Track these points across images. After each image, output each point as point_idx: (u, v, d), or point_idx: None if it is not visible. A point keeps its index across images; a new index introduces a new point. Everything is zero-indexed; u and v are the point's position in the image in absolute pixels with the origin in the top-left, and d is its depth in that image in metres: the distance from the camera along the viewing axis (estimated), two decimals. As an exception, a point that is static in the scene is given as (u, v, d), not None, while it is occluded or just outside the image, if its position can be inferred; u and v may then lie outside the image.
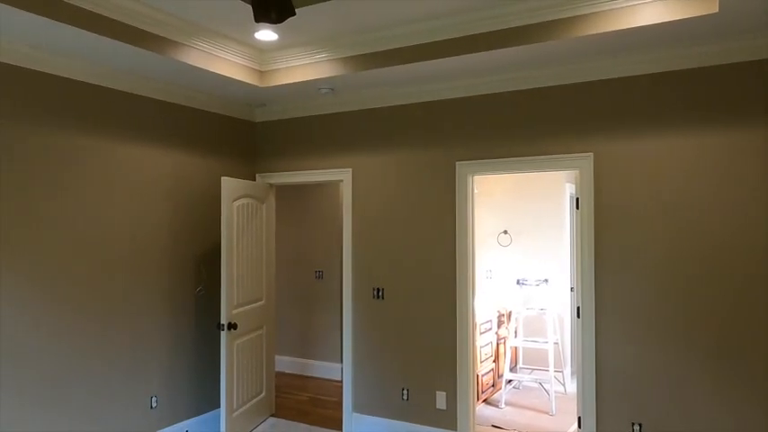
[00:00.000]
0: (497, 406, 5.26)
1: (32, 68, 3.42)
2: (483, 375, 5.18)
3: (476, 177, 4.32)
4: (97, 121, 3.82)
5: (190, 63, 3.69)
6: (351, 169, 4.69)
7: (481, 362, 5.14)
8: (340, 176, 4.76)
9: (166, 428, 4.30)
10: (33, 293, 3.45)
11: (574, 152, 3.84)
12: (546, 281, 5.81)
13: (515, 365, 6.03)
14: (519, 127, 4.02)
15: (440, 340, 4.29)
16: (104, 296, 3.87)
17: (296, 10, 3.19)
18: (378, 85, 4.27)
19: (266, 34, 3.79)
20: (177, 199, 4.42)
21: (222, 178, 4.28)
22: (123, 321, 3.99)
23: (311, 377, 6.36)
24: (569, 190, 6.03)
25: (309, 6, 3.34)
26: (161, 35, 3.48)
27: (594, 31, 3.15)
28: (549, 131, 3.92)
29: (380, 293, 4.55)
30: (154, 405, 4.20)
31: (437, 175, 4.32)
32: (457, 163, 4.23)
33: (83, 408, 3.72)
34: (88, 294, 3.76)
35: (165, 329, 4.31)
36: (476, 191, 4.33)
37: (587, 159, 3.79)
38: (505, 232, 6.22)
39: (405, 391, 4.43)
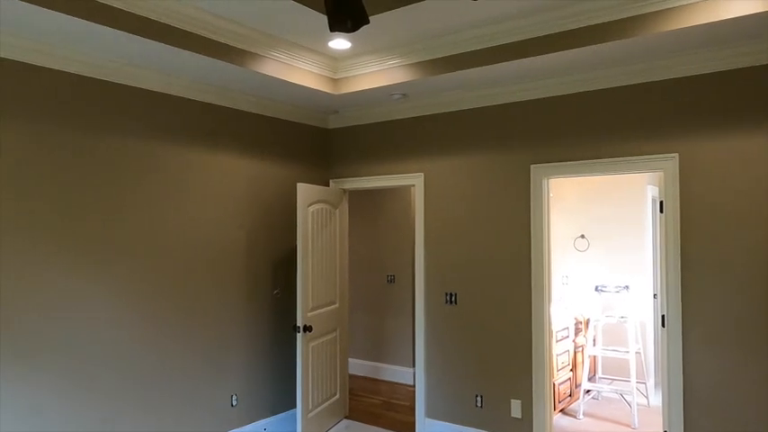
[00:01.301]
0: (575, 416, 5.09)
1: (124, 83, 3.67)
2: (560, 384, 5.02)
3: (551, 180, 4.21)
4: (178, 130, 4.03)
5: (268, 74, 3.83)
6: (423, 174, 4.70)
7: (558, 370, 4.99)
8: (412, 181, 4.78)
9: (246, 426, 4.46)
10: (122, 295, 3.68)
11: (657, 153, 3.66)
12: (626, 287, 5.57)
13: (594, 375, 5.81)
14: (597, 128, 3.89)
15: (515, 347, 4.20)
16: (187, 297, 4.07)
17: (369, 18, 3.24)
18: (450, 89, 4.26)
19: (340, 43, 3.87)
20: (254, 204, 4.58)
21: (298, 184, 4.41)
22: (205, 322, 4.18)
23: (383, 381, 6.40)
24: (651, 192, 5.75)
25: (382, 14, 3.38)
26: (242, 48, 3.64)
27: (680, 26, 3.00)
28: (630, 132, 3.76)
29: (453, 298, 4.52)
30: (234, 403, 4.37)
31: (511, 179, 4.24)
32: (531, 166, 4.14)
33: (170, 405, 3.93)
34: (172, 296, 3.97)
35: (244, 330, 4.48)
36: (551, 194, 4.22)
37: (672, 160, 3.61)
38: (582, 237, 6.02)
39: (478, 398, 4.38)
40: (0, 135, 3.09)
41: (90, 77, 3.49)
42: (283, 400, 4.81)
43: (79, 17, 2.82)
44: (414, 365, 6.22)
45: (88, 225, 3.48)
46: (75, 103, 3.42)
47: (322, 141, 5.26)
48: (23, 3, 2.62)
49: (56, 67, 3.31)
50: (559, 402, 5.02)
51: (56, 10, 2.73)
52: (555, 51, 3.40)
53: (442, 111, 4.58)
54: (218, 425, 4.24)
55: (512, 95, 4.21)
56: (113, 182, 3.61)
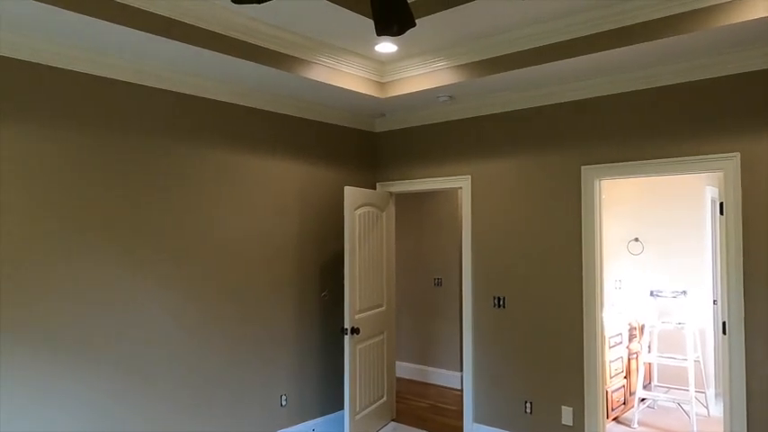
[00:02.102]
0: (629, 425, 4.92)
1: (188, 93, 3.80)
2: (613, 392, 4.87)
3: (603, 182, 4.10)
4: (234, 137, 4.13)
5: (317, 79, 3.88)
6: (470, 176, 4.66)
7: (611, 377, 4.84)
8: (459, 184, 4.74)
9: (295, 426, 4.52)
10: (178, 296, 3.80)
11: (716, 152, 3.51)
12: (684, 292, 5.35)
13: (649, 383, 5.61)
14: (652, 127, 3.76)
15: (566, 352, 4.11)
16: (238, 299, 4.16)
17: (416, 20, 3.24)
18: (497, 90, 4.21)
19: (386, 46, 3.89)
20: (304, 208, 4.65)
21: (345, 188, 4.45)
22: (255, 322, 4.27)
23: (430, 384, 6.37)
24: (710, 194, 5.52)
25: (428, 16, 3.38)
26: (292, 55, 3.71)
27: (739, 20, 2.87)
28: (688, 131, 3.62)
29: (502, 302, 4.45)
30: (284, 403, 4.44)
31: (560, 181, 4.16)
32: (582, 167, 4.04)
33: (222, 403, 4.03)
34: (224, 297, 4.08)
35: (293, 331, 4.55)
36: (603, 196, 4.10)
37: (733, 160, 3.45)
38: (636, 240, 5.83)
39: (528, 404, 4.30)
40: (73, 140, 3.25)
41: (159, 89, 3.64)
42: (331, 401, 4.86)
43: (152, 33, 2.97)
44: (461, 369, 6.16)
45: (150, 227, 3.61)
46: (147, 112, 3.56)
47: (369, 145, 5.30)
48: (121, 27, 2.75)
49: (125, 79, 3.45)
50: (612, 410, 4.86)
51: (128, 26, 2.85)
52: (606, 49, 3.31)
53: (490, 112, 4.53)
54: (268, 424, 4.32)
55: (561, 95, 4.13)
56: (176, 187, 3.74)
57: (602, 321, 4.05)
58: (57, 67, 3.21)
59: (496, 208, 4.50)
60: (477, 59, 3.86)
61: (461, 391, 6.04)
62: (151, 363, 3.63)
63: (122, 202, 3.50)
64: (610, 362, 4.83)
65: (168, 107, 3.75)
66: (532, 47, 3.60)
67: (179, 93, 3.80)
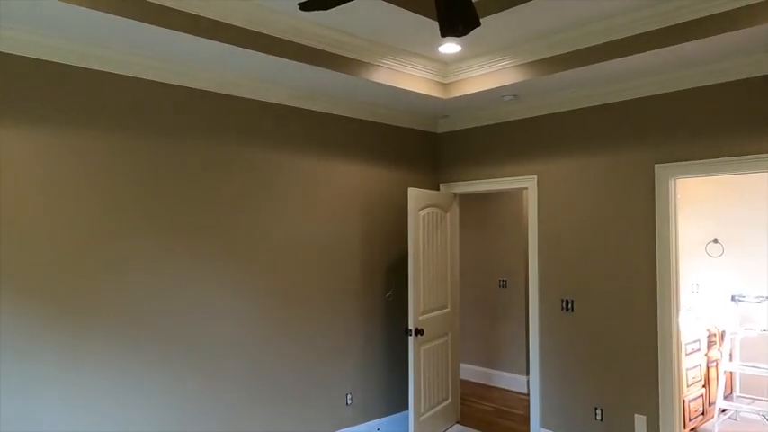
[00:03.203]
0: (709, 437, 4.68)
1: (259, 99, 3.93)
2: (690, 401, 4.64)
3: (678, 181, 3.91)
4: (296, 139, 4.24)
5: (381, 82, 3.92)
6: (536, 176, 4.57)
7: (688, 386, 4.61)
8: (524, 184, 4.66)
9: (360, 425, 4.58)
10: (245, 296, 3.94)
11: (806, 148, 3.28)
12: (769, 298, 5.02)
13: (731, 393, 5.30)
14: (731, 123, 3.55)
15: (639, 359, 3.95)
16: (304, 298, 4.26)
17: (480, 20, 3.22)
18: (564, 88, 4.10)
19: (450, 47, 3.88)
20: (366, 209, 4.71)
21: (409, 189, 4.47)
22: (323, 321, 4.36)
23: (495, 387, 6.28)
24: (799, 192, 5.15)
25: (493, 15, 3.34)
26: (356, 58, 3.76)
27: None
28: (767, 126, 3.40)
29: (570, 305, 4.34)
30: (349, 401, 4.51)
31: (632, 180, 4.00)
32: (656, 166, 3.87)
33: (288, 401, 4.13)
34: (290, 297, 4.18)
35: (358, 331, 4.61)
36: (678, 195, 3.91)
37: (825, 155, 3.21)
38: (715, 241, 5.52)
39: (598, 411, 4.16)
40: (137, 147, 3.44)
41: (234, 96, 3.79)
42: (395, 401, 4.88)
43: (219, 41, 3.09)
44: (527, 373, 6.04)
45: (227, 230, 3.76)
46: (212, 117, 3.72)
47: (432, 146, 5.29)
48: (182, 34, 2.90)
49: (188, 86, 3.62)
50: (690, 420, 4.63)
51: (199, 36, 2.99)
52: (678, 43, 3.16)
53: (556, 111, 4.43)
54: (334, 422, 4.40)
55: (633, 91, 3.98)
56: (249, 193, 3.88)
57: (678, 326, 3.86)
58: (152, 80, 3.41)
59: (564, 208, 4.39)
60: (543, 57, 3.77)
61: (527, 395, 5.92)
62: (222, 360, 3.78)
63: (188, 208, 3.66)
64: (687, 369, 4.60)
65: (240, 114, 3.89)
66: (600, 42, 3.48)
67: (251, 99, 3.94)
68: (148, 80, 3.45)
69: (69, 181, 3.15)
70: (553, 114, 4.46)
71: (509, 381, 6.22)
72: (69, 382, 3.12)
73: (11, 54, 2.95)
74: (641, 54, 3.34)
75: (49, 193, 3.07)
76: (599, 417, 4.15)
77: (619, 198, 4.07)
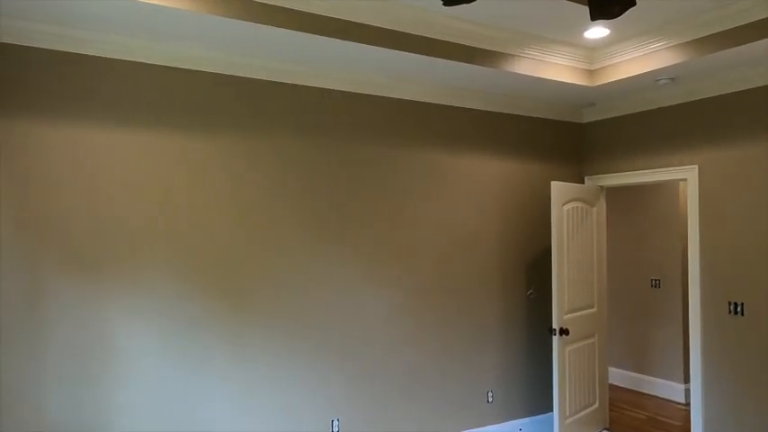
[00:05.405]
0: None
1: (384, 95, 4.03)
2: None
3: None
4: (436, 135, 4.26)
5: (522, 73, 3.81)
6: (696, 166, 4.15)
7: None
8: (682, 175, 4.26)
9: (503, 424, 4.50)
10: (388, 293, 4.04)
11: None
12: None
13: None
14: None
15: (827, 372, 3.44)
16: (444, 295, 4.27)
17: None
18: (729, 67, 3.68)
19: (597, 31, 3.66)
20: (505, 204, 4.60)
21: (552, 183, 4.29)
22: (463, 318, 4.34)
23: (647, 394, 5.84)
24: None
25: (647, -7, 3.09)
26: (496, 50, 3.69)
27: None
28: None
29: (739, 309, 3.89)
30: (490, 399, 4.45)
31: (819, 167, 3.49)
32: None
33: (431, 396, 4.18)
34: (430, 294, 4.22)
35: (498, 328, 4.53)
36: None
37: None
38: None
39: (775, 428, 3.69)
40: (293, 146, 3.67)
41: (361, 94, 3.92)
42: (538, 401, 4.73)
43: (366, 43, 3.22)
44: (686, 381, 5.54)
45: (372, 229, 3.91)
46: (351, 116, 3.88)
47: (575, 137, 5.04)
48: (320, 36, 3.07)
49: (325, 87, 3.80)
50: None
51: (340, 38, 3.14)
52: None
53: (720, 93, 3.99)
54: (475, 419, 4.37)
55: (819, 65, 3.46)
56: (390, 189, 4.00)
57: None
58: (310, 87, 3.65)
59: (732, 200, 3.95)
60: (705, 35, 3.42)
61: (686, 405, 5.44)
62: (367, 355, 3.92)
63: (337, 207, 3.83)
64: None
65: (380, 113, 4.00)
66: (780, 12, 3.08)
67: (390, 98, 4.03)
68: (312, 87, 3.68)
69: (239, 177, 3.45)
70: (717, 97, 4.03)
71: (663, 388, 5.74)
72: (230, 364, 3.43)
73: (193, 71, 3.30)
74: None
75: (217, 189, 3.40)
76: (777, 435, 3.68)
77: (801, 188, 3.57)
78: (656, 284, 5.81)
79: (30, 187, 2.91)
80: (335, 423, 3.77)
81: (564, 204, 4.40)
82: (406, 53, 3.39)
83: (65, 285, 2.98)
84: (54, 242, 2.96)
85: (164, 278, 3.23)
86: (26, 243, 2.90)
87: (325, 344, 3.75)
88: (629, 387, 6.05)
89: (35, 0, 2.60)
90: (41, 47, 2.93)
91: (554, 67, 3.96)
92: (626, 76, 3.90)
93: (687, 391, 5.54)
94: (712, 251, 4.06)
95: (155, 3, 2.63)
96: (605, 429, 4.82)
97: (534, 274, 4.75)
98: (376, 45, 3.26)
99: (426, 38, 3.44)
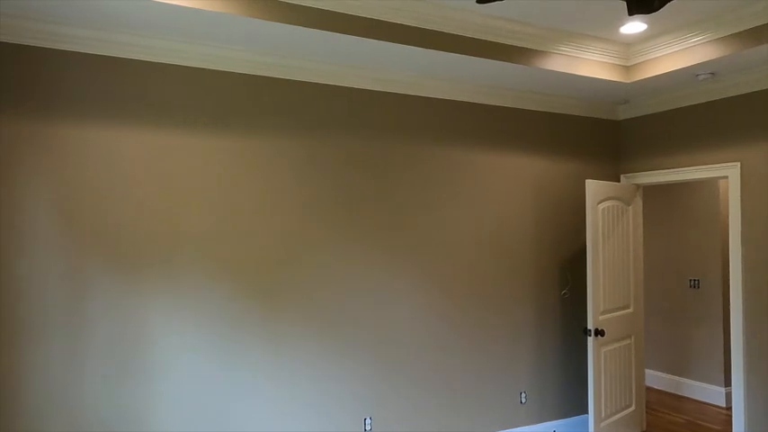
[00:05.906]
0: None
1: (416, 94, 4.02)
2: None
3: None
4: (467, 133, 4.23)
5: (556, 70, 3.76)
6: (738, 163, 4.03)
7: None
8: (723, 173, 4.14)
9: (536, 425, 4.45)
10: (419, 292, 4.03)
11: None
12: None
13: None
14: None
15: None
16: (479, 294, 4.25)
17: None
18: (775, 60, 3.57)
19: (634, 27, 3.58)
20: (539, 203, 4.55)
21: (586, 181, 4.22)
22: (497, 318, 4.31)
23: (685, 398, 5.69)
24: None
25: (687, -14, 3.02)
26: (529, 47, 3.65)
27: None
28: None
29: (784, 310, 3.77)
30: (523, 400, 4.41)
31: None
32: None
33: (463, 396, 4.16)
34: (463, 293, 4.20)
35: (531, 329, 4.48)
36: None
37: None
38: None
39: (823, 435, 3.56)
40: (324, 147, 3.70)
41: (401, 94, 3.93)
42: (572, 403, 4.66)
43: (397, 42, 3.22)
44: (725, 385, 5.39)
45: (403, 230, 3.91)
46: (383, 116, 3.89)
47: (610, 134, 4.94)
48: (355, 37, 3.09)
49: (357, 87, 3.81)
50: None
51: (367, 37, 3.15)
52: None
53: (763, 87, 3.86)
54: (508, 419, 4.33)
55: None
56: (420, 188, 3.99)
57: None
58: (342, 86, 3.68)
59: (775, 199, 3.82)
60: (748, 27, 3.32)
61: (727, 409, 5.29)
62: (399, 354, 3.92)
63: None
64: None
65: (409, 112, 4.00)
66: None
67: (423, 96, 4.03)
68: (343, 86, 3.71)
69: (274, 179, 3.49)
70: (757, 93, 3.90)
71: (702, 391, 5.59)
72: (269, 362, 3.47)
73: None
74: None
75: (252, 192, 3.45)
76: (824, 441, 3.55)
77: None
78: (694, 285, 5.67)
79: (75, 191, 2.99)
80: (368, 421, 3.78)
81: (599, 203, 4.33)
82: (445, 53, 3.38)
83: (108, 285, 3.06)
84: (99, 243, 3.04)
85: (202, 279, 3.29)
86: (73, 244, 2.99)
87: (358, 343, 3.76)
88: (667, 389, 5.91)
89: (75, 2, 2.68)
90: (83, 51, 3.02)
91: (589, 63, 3.90)
92: (664, 72, 3.81)
93: (728, 395, 5.39)
94: (756, 252, 3.94)
95: (193, 6, 2.68)
96: (642, 432, 4.73)
97: (569, 273, 4.68)
98: (412, 45, 3.26)
99: (460, 36, 3.42)
